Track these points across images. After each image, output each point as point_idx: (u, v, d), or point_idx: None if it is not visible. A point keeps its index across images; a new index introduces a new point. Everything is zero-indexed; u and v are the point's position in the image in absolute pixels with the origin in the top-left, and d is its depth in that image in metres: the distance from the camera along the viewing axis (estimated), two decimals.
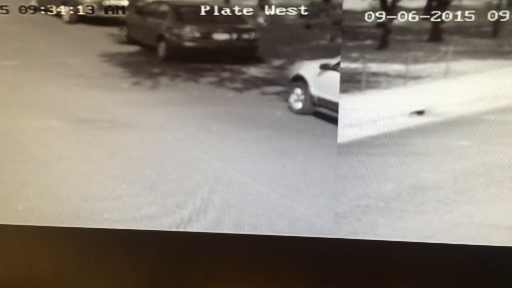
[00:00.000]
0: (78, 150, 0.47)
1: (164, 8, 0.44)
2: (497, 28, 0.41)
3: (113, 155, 0.47)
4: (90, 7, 0.44)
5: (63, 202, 0.48)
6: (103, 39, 0.45)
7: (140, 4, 0.44)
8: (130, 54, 0.45)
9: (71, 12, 0.44)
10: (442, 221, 0.44)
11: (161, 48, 0.45)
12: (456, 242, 0.44)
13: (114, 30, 0.44)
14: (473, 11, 0.40)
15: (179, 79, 0.45)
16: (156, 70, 0.45)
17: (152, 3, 0.44)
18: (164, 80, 0.45)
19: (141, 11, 0.44)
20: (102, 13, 0.44)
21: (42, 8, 0.44)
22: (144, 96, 0.45)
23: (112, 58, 0.45)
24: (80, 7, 0.44)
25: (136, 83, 0.45)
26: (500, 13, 0.40)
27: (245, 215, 0.46)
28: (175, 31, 0.44)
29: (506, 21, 0.40)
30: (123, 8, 0.44)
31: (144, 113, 0.46)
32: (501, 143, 0.42)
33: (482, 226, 0.44)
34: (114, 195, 0.48)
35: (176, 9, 0.44)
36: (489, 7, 0.40)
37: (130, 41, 0.45)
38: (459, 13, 0.41)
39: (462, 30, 0.41)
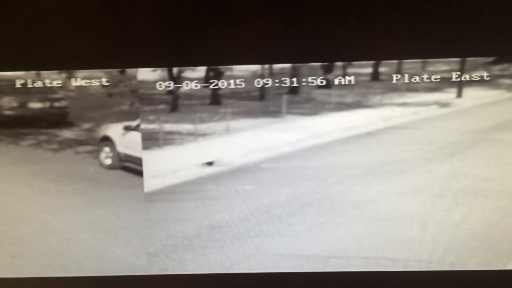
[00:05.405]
0: None
1: None
2: (263, 92, 0.49)
3: None
4: None
5: None
6: None
7: None
8: None
9: None
10: (237, 253, 0.52)
11: None
12: (250, 271, 0.52)
13: None
14: (243, 79, 0.49)
15: (1, 143, 0.51)
16: None
17: None
18: None
19: None
20: None
21: None
22: None
23: None
24: None
25: None
26: (264, 81, 0.49)
27: (70, 260, 0.52)
28: None
29: (269, 87, 0.49)
30: None
31: None
32: (277, 185, 0.51)
33: (269, 255, 0.52)
34: None
35: None
36: (255, 76, 0.49)
37: None
38: (232, 81, 0.49)
39: (236, 95, 0.49)
